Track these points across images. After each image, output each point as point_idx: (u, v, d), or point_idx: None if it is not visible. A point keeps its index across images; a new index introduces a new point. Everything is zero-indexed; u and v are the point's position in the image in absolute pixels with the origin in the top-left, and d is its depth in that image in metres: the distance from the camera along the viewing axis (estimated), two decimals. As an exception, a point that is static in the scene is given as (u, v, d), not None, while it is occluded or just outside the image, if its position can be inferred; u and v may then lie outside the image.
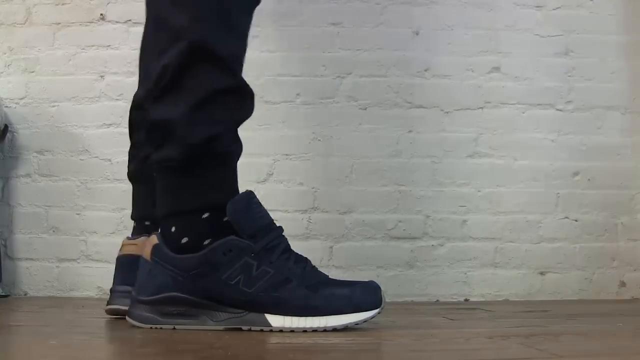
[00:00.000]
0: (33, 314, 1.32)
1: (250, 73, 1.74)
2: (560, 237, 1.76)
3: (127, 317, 1.01)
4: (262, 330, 0.96)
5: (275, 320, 0.97)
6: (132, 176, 1.24)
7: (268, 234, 0.99)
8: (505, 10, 1.80)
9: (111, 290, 1.17)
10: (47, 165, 1.77)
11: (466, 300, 1.71)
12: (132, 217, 1.24)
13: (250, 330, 0.96)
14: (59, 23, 1.79)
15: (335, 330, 0.95)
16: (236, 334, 0.96)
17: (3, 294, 1.72)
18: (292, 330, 0.96)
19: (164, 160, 0.98)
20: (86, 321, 1.18)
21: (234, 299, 0.97)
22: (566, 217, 1.76)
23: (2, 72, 1.79)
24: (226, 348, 0.82)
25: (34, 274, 1.75)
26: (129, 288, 1.11)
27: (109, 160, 1.75)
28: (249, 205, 1.00)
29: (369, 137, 1.76)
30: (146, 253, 1.00)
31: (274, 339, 0.89)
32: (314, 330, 0.96)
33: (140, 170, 1.21)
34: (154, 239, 1.00)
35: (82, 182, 1.76)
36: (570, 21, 1.79)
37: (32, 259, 1.75)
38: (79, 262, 1.74)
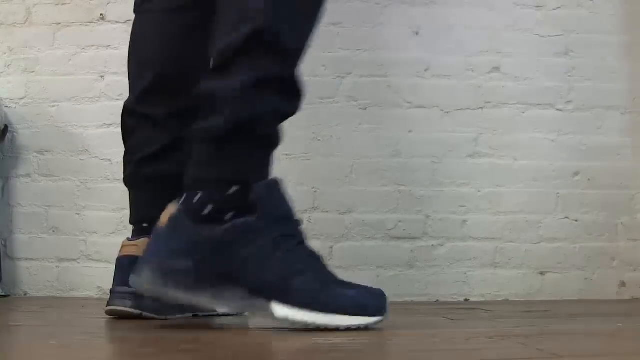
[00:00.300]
0: (33, 314, 1.32)
1: (250, 73, 1.76)
2: (560, 237, 1.76)
3: (130, 281, 0.98)
4: (253, 314, 0.96)
5: (280, 310, 0.95)
6: (128, 181, 1.24)
7: (289, 223, 0.99)
8: (505, 10, 1.80)
9: (111, 291, 1.16)
10: (47, 165, 1.77)
11: (466, 300, 1.71)
12: (131, 222, 1.23)
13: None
14: (59, 23, 1.79)
15: (336, 330, 0.95)
16: (236, 334, 0.96)
17: (3, 294, 1.72)
18: (293, 323, 0.94)
19: (209, 129, 0.98)
20: (86, 321, 1.18)
21: (244, 280, 0.96)
22: (566, 217, 1.77)
23: (2, 72, 1.79)
24: (227, 348, 0.82)
25: (34, 274, 1.75)
26: (128, 289, 1.10)
27: (109, 160, 1.75)
28: (276, 191, 1.00)
29: (369, 137, 1.76)
30: (162, 222, 0.97)
31: (273, 339, 0.89)
32: (316, 329, 0.94)
33: (135, 174, 1.21)
34: (170, 208, 0.98)
35: (82, 182, 1.76)
36: (570, 21, 1.80)
37: (32, 259, 1.75)
38: (79, 262, 1.75)
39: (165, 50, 1.22)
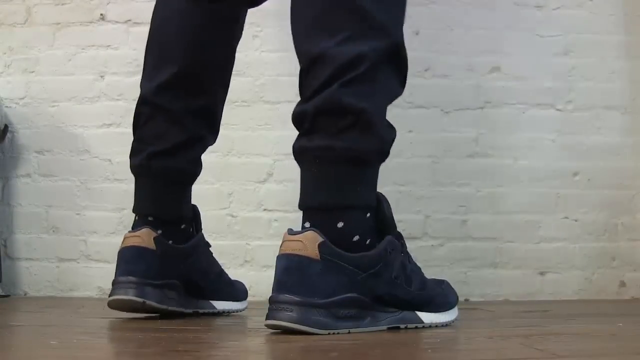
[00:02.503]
0: (33, 314, 1.32)
1: (251, 73, 1.76)
2: (560, 237, 1.76)
3: (295, 325, 0.89)
4: (406, 328, 0.99)
5: (426, 317, 1.01)
6: (137, 170, 1.20)
7: (401, 234, 1.02)
8: (505, 10, 1.79)
9: (114, 282, 1.14)
10: (47, 165, 1.77)
11: (466, 300, 1.71)
12: (134, 211, 1.20)
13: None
14: (59, 23, 1.79)
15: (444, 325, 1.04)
16: (236, 334, 0.96)
17: (3, 294, 1.72)
18: (436, 326, 1.02)
19: (349, 149, 0.94)
20: (86, 321, 1.18)
21: (397, 299, 0.98)
22: (566, 217, 1.76)
23: (2, 72, 1.79)
24: (227, 348, 0.82)
25: (34, 274, 1.75)
26: (133, 279, 1.12)
27: (109, 160, 1.75)
28: (389, 205, 1.01)
29: (369, 137, 1.75)
30: (309, 251, 0.90)
31: (274, 339, 0.89)
32: (447, 324, 1.04)
33: (146, 166, 1.18)
34: (314, 236, 0.91)
35: (82, 182, 1.76)
36: (570, 21, 1.79)
37: (32, 259, 1.75)
38: (79, 262, 1.75)
39: (190, 43, 1.19)
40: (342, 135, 0.94)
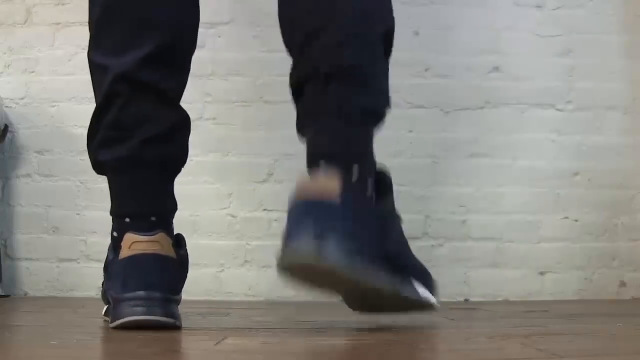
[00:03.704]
0: (33, 314, 1.32)
1: (250, 73, 1.76)
2: (560, 237, 1.76)
3: (337, 269, 0.81)
4: (406, 298, 0.92)
5: (422, 290, 0.95)
6: (124, 164, 1.01)
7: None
8: (505, 10, 1.79)
9: (119, 300, 0.95)
10: (47, 165, 1.77)
11: (466, 300, 1.71)
12: (129, 214, 1.01)
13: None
14: (59, 23, 1.79)
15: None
16: (237, 334, 0.96)
17: (3, 294, 1.72)
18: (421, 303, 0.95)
19: (376, 108, 0.98)
20: (86, 321, 1.18)
21: (403, 259, 0.94)
22: (566, 217, 1.76)
23: (2, 72, 1.79)
24: (227, 348, 0.82)
25: (34, 274, 1.75)
26: (142, 294, 0.94)
27: (109, 160, 1.75)
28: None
29: (369, 137, 1.75)
30: (327, 193, 0.86)
31: (274, 339, 0.89)
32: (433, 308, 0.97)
33: (137, 157, 1.00)
34: (332, 182, 0.87)
35: (82, 182, 1.76)
36: (570, 21, 1.79)
37: (32, 259, 1.75)
38: (79, 262, 1.74)
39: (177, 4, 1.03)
40: (355, 95, 0.96)
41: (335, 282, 0.88)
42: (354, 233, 0.86)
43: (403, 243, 0.96)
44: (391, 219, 0.95)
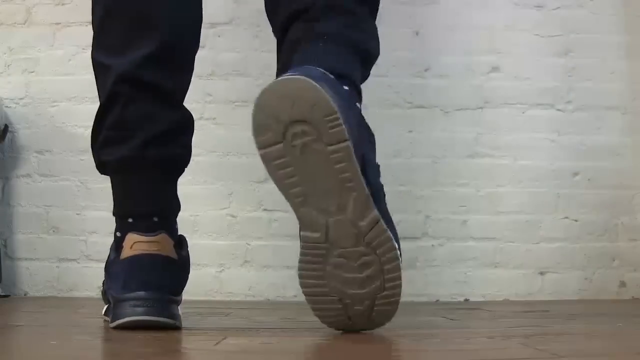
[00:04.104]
0: (33, 314, 1.32)
1: (250, 73, 1.76)
2: (560, 237, 1.76)
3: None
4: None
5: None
6: (126, 165, 1.01)
7: None
8: (505, 10, 1.79)
9: (120, 300, 0.95)
10: (47, 165, 1.77)
11: (466, 300, 1.71)
12: (132, 215, 1.02)
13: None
14: (59, 23, 1.79)
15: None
16: (237, 334, 0.95)
17: (3, 294, 1.72)
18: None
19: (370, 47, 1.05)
20: (86, 321, 1.18)
21: (372, 169, 0.94)
22: (566, 217, 1.76)
23: (2, 72, 1.79)
24: (227, 348, 0.82)
25: (34, 274, 1.75)
26: (143, 294, 0.94)
27: (109, 160, 1.75)
28: None
29: (369, 137, 1.76)
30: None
31: (274, 339, 0.89)
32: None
33: (140, 157, 0.99)
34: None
35: (82, 182, 1.76)
36: (570, 21, 1.79)
37: (32, 259, 1.75)
38: (79, 262, 1.74)
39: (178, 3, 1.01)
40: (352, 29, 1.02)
41: (312, 105, 0.91)
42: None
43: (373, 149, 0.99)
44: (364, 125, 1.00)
